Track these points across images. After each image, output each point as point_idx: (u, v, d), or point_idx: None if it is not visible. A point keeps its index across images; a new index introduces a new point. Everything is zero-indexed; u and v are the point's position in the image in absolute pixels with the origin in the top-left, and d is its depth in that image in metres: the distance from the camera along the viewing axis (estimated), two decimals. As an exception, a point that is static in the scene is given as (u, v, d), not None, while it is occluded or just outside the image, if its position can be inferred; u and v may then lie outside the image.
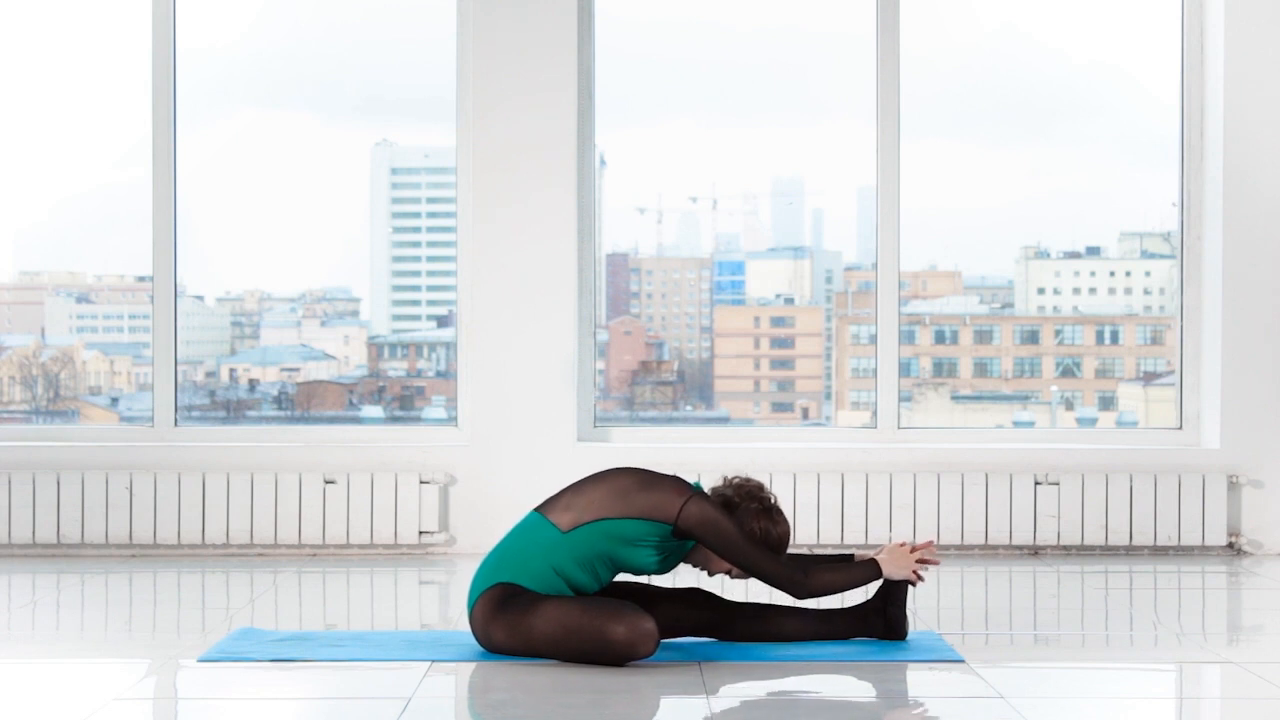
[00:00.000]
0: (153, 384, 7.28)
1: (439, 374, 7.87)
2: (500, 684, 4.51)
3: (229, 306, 7.99)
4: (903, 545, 4.98)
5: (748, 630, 4.95)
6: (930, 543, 5.02)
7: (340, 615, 5.85)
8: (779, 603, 5.07)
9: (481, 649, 4.84)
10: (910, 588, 5.00)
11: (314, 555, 6.99)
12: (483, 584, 4.79)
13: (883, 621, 4.97)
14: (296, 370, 7.99)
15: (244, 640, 5.04)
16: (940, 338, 7.79)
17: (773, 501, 4.89)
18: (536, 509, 4.85)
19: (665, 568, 4.84)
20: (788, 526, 4.87)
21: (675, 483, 4.81)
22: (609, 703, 4.33)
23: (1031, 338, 7.84)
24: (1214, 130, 7.15)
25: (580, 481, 4.86)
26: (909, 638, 5.02)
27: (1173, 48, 7.28)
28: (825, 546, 7.01)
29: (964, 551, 7.02)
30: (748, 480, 4.92)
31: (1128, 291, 7.83)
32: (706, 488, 4.95)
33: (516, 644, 4.74)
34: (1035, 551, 7.04)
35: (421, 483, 7.00)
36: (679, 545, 4.82)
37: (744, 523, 4.81)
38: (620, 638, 4.64)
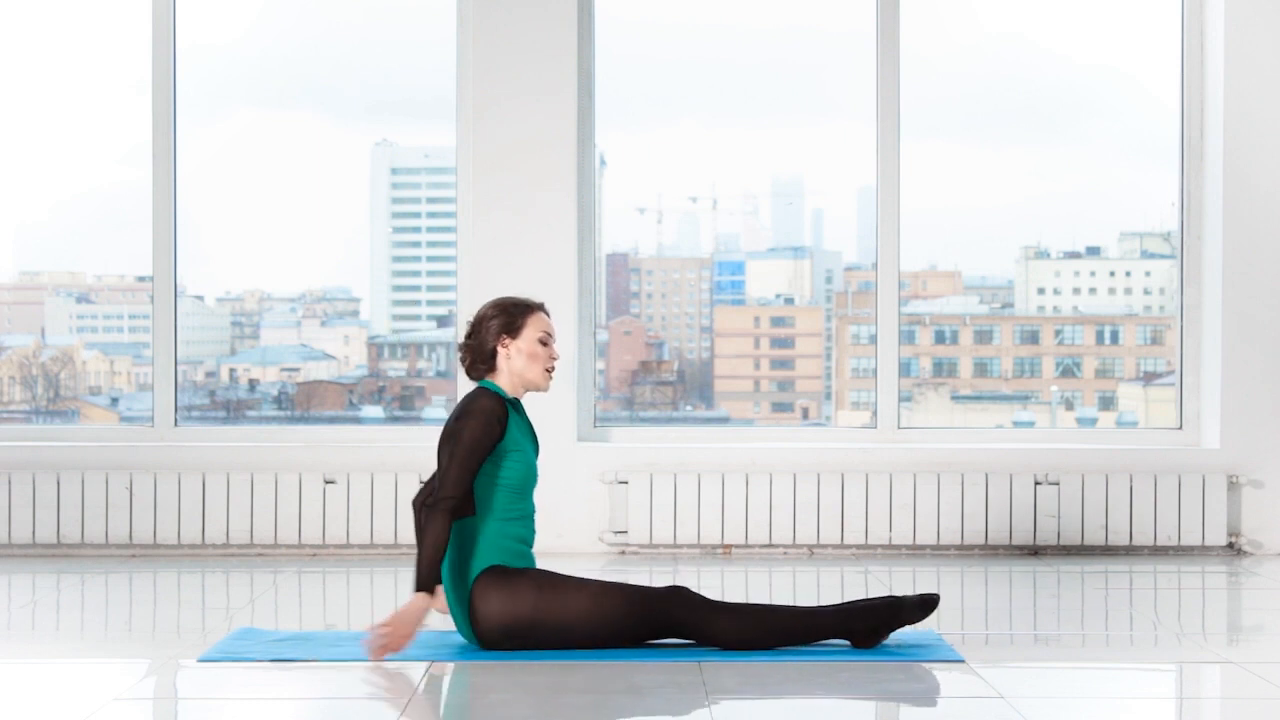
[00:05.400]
0: (153, 384, 7.28)
1: (439, 374, 7.87)
2: (500, 684, 4.51)
3: (229, 306, 8.00)
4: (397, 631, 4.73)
5: (729, 627, 4.89)
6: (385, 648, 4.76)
7: (340, 615, 5.85)
8: (762, 602, 5.04)
9: (480, 648, 4.84)
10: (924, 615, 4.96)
11: (314, 555, 6.99)
12: (462, 585, 4.82)
13: (864, 627, 4.91)
14: (296, 370, 7.99)
15: (244, 640, 5.04)
16: (940, 338, 7.79)
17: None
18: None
19: (515, 442, 4.88)
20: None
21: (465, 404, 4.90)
22: (609, 703, 4.32)
23: (1031, 338, 7.84)
24: (1214, 130, 7.15)
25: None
26: (909, 638, 5.02)
27: (1173, 48, 7.28)
28: (825, 547, 7.01)
29: (964, 551, 7.02)
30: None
31: (1128, 291, 7.83)
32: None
33: (544, 605, 4.78)
34: (1035, 551, 7.04)
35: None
36: (501, 427, 4.83)
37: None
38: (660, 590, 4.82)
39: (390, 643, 4.72)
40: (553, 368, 5.01)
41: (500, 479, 4.87)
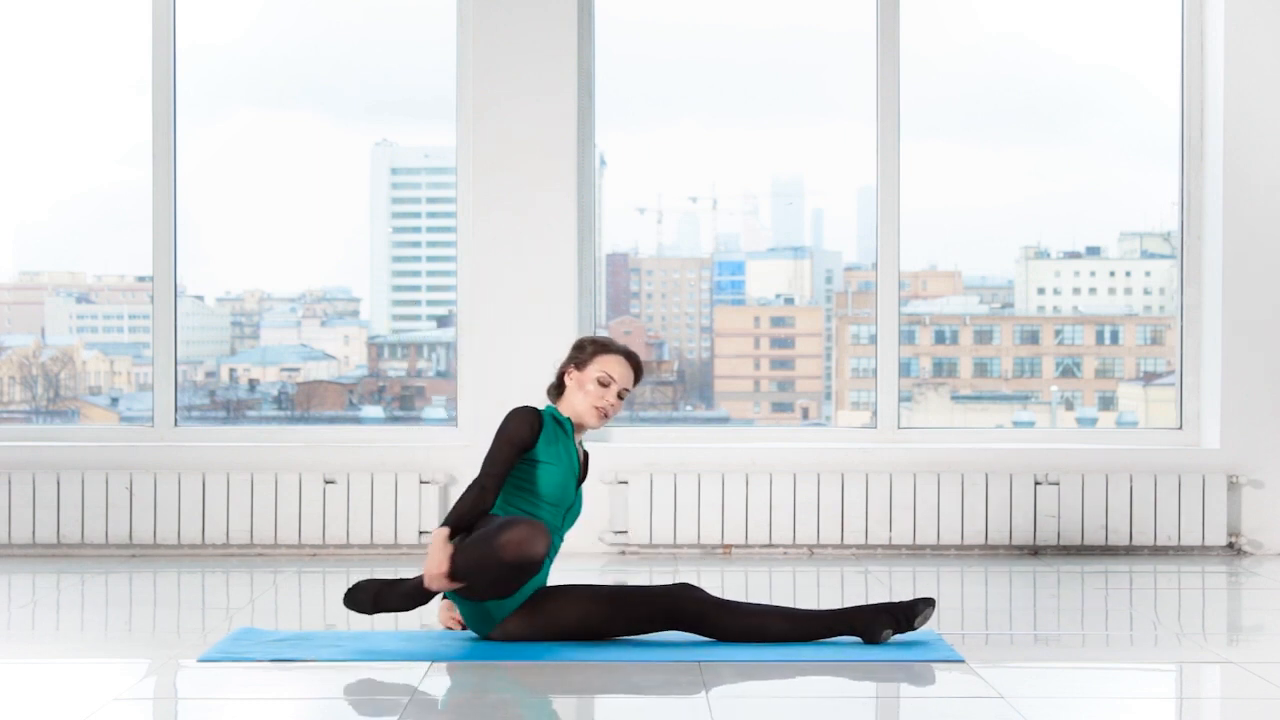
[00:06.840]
0: (153, 384, 7.28)
1: (439, 374, 7.87)
2: (500, 684, 4.52)
3: (229, 306, 8.00)
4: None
5: (733, 626, 4.93)
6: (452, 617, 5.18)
7: (340, 615, 5.84)
8: (766, 602, 5.06)
9: (478, 642, 4.85)
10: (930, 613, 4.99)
11: (314, 555, 6.99)
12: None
13: (861, 623, 4.96)
14: (296, 370, 7.99)
15: (244, 640, 5.04)
16: (940, 338, 7.79)
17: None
18: None
19: (545, 454, 5.00)
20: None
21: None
22: (609, 703, 4.33)
23: (1031, 338, 7.84)
24: (1214, 130, 7.15)
25: None
26: (909, 638, 5.02)
27: (1173, 48, 7.28)
28: (825, 547, 7.01)
29: (964, 551, 7.02)
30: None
31: (1128, 291, 7.83)
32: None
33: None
34: (1035, 551, 7.04)
35: (421, 483, 7.00)
36: (532, 431, 4.98)
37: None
38: (511, 540, 4.74)
39: (433, 583, 4.83)
40: (604, 410, 5.08)
41: (535, 488, 4.96)
